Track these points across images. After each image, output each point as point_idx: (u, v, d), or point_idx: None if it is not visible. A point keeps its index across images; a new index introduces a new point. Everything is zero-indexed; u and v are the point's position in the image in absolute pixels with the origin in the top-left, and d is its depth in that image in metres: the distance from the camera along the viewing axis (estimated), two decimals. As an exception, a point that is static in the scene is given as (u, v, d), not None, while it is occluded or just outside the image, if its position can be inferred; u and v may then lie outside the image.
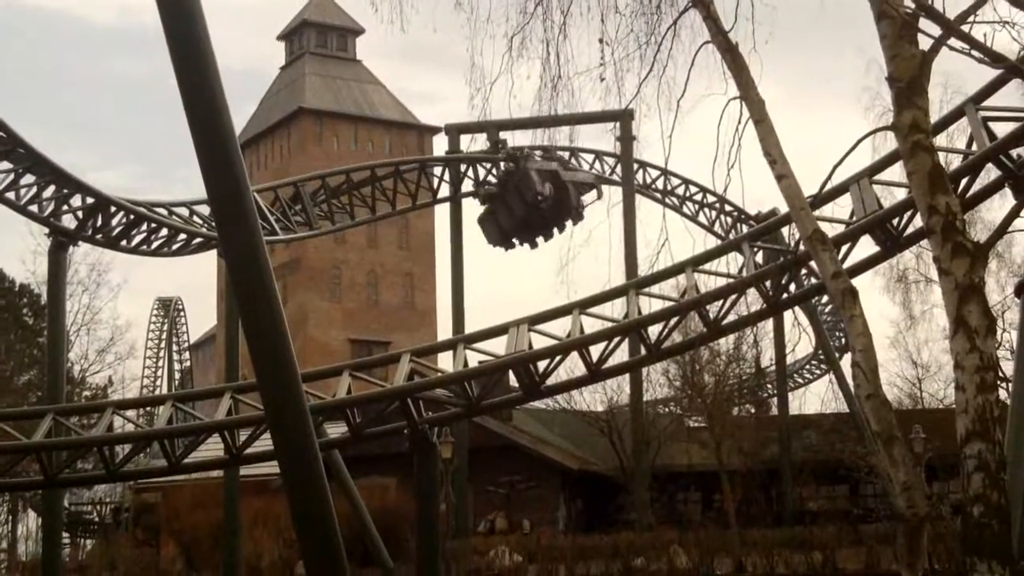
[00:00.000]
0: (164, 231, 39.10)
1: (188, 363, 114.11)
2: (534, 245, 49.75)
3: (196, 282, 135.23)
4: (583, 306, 27.40)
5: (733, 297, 26.88)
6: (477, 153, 51.31)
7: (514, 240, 49.98)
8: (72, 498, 75.87)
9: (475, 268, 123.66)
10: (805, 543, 38.44)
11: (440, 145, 79.24)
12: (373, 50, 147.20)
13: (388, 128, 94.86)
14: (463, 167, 51.24)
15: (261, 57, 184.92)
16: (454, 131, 53.06)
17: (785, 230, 27.88)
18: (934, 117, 17.69)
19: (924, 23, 13.48)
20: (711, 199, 56.15)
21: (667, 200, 54.85)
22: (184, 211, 40.45)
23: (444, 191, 51.57)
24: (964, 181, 23.23)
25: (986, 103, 24.01)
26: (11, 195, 34.99)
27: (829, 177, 16.84)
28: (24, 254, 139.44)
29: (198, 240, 40.01)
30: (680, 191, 56.13)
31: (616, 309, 28.19)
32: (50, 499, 37.83)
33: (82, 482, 51.27)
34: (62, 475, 29.94)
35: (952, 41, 13.20)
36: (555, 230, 49.33)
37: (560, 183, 49.10)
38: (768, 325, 54.23)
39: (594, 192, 50.63)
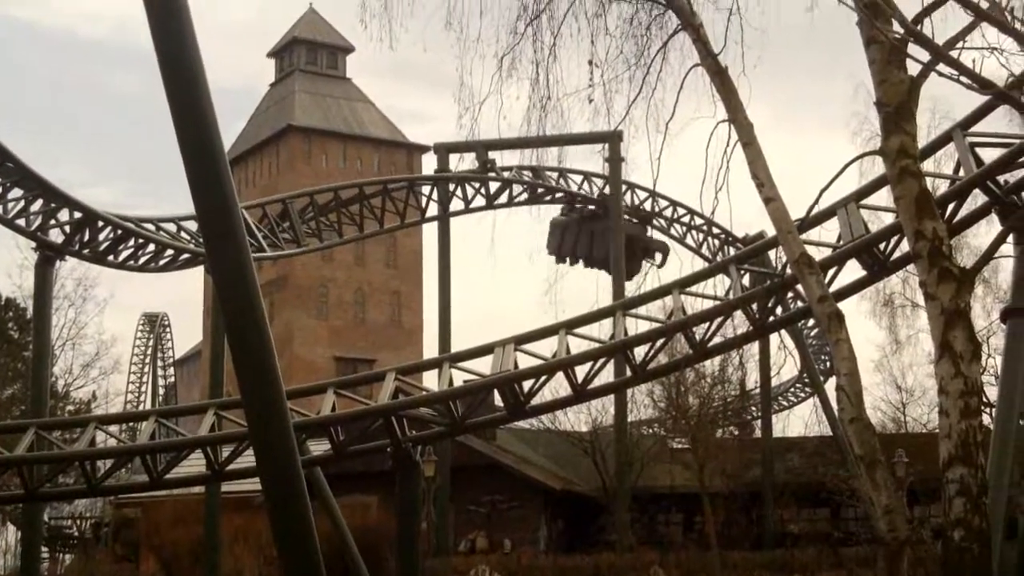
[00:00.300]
0: (151, 246, 39.06)
1: (172, 379, 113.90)
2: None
3: (182, 298, 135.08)
4: (570, 326, 27.46)
5: (719, 319, 26.91)
6: (466, 172, 51.44)
7: (567, 259, 52.49)
8: (52, 512, 75.60)
9: (462, 287, 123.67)
10: (786, 566, 38.53)
11: (429, 164, 79.35)
12: (363, 68, 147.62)
13: (377, 146, 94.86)
14: (451, 186, 51.33)
15: (251, 74, 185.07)
16: (443, 150, 53.15)
17: (772, 253, 27.96)
18: (921, 142, 17.71)
19: (913, 48, 13.53)
20: (699, 221, 56.28)
21: (655, 222, 55.08)
22: (172, 227, 40.41)
23: (432, 210, 51.63)
24: (951, 206, 23.28)
25: (974, 129, 24.08)
26: (-1, 208, 34.98)
27: (816, 201, 16.87)
28: (11, 268, 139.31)
29: (185, 256, 39.95)
30: (668, 213, 56.27)
31: (603, 330, 28.28)
32: (30, 513, 37.74)
33: (63, 496, 51.11)
34: (43, 489, 29.78)
35: (941, 67, 13.24)
36: (604, 271, 52.17)
37: (632, 247, 51.38)
38: (753, 348, 54.33)
39: (659, 256, 53.72)
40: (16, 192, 35.13)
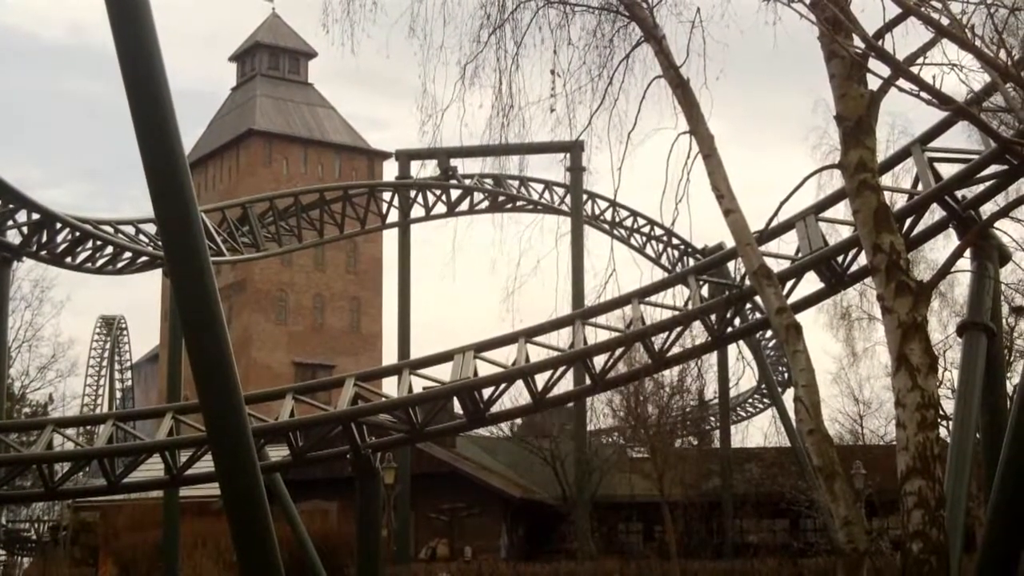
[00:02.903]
0: (110, 249, 38.77)
1: (130, 382, 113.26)
2: None
3: (140, 301, 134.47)
4: (529, 335, 27.42)
5: (678, 329, 26.95)
6: (427, 179, 51.43)
7: None
8: (10, 515, 75.17)
9: (422, 294, 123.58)
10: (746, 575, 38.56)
11: (390, 170, 79.21)
12: (325, 74, 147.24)
13: (338, 152, 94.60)
14: (412, 193, 51.28)
15: (212, 77, 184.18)
16: (404, 157, 53.16)
17: (731, 264, 28.02)
18: (880, 157, 17.80)
19: (873, 64, 13.59)
20: (659, 232, 56.41)
21: (615, 231, 55.13)
22: (130, 229, 40.19)
23: (393, 216, 51.59)
24: (909, 221, 23.38)
25: (932, 144, 24.17)
26: (-45, 210, 34.67)
27: (776, 213, 16.93)
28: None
29: (144, 259, 39.73)
30: (628, 223, 56.41)
31: (562, 338, 28.26)
32: (-13, 516, 37.47)
33: (20, 499, 50.79)
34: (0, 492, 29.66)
35: (901, 82, 13.29)
36: None
37: None
38: (712, 358, 54.50)
39: None
40: (-27, 193, 34.84)
